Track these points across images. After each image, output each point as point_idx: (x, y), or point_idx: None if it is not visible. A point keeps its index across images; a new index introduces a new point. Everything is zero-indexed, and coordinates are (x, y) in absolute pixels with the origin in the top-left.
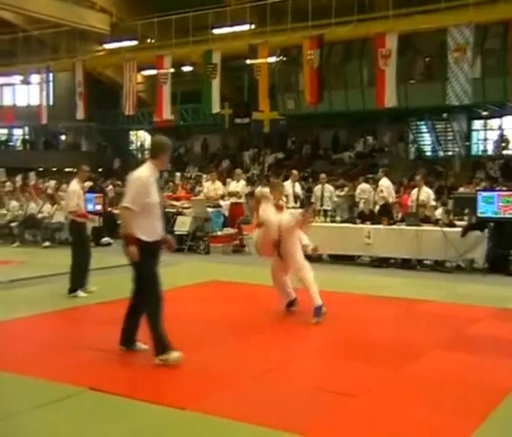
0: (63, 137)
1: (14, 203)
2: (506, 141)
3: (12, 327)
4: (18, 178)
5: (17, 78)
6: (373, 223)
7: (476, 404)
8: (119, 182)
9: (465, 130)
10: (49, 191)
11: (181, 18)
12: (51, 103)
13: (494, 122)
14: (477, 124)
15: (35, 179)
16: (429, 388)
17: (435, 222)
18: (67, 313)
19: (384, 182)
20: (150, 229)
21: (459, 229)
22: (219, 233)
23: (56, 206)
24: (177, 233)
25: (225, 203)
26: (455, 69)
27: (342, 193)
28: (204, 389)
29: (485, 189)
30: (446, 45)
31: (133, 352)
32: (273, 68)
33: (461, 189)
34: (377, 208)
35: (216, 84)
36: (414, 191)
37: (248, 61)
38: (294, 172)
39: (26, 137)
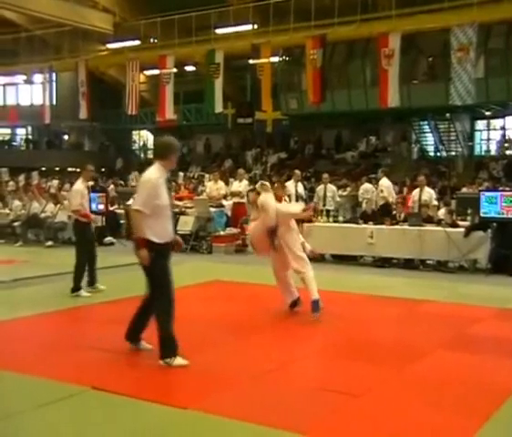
0: (66, 137)
1: (17, 202)
2: (509, 141)
3: (14, 326)
4: (21, 178)
5: (20, 78)
6: (375, 223)
7: (479, 404)
8: (121, 182)
9: (468, 130)
10: (52, 191)
11: (184, 18)
12: (54, 103)
13: (497, 122)
14: (480, 124)
15: (38, 179)
16: (431, 388)
17: (438, 222)
18: (70, 313)
19: (384, 182)
20: (161, 231)
21: (462, 230)
22: (221, 233)
23: (58, 205)
24: (179, 233)
25: (228, 203)
26: (458, 69)
27: (344, 193)
28: (206, 388)
29: (488, 190)
30: (450, 45)
31: (136, 352)
32: (276, 68)
33: (464, 189)
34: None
35: (219, 83)
36: (416, 192)
37: (251, 61)
38: (297, 172)
39: (29, 136)
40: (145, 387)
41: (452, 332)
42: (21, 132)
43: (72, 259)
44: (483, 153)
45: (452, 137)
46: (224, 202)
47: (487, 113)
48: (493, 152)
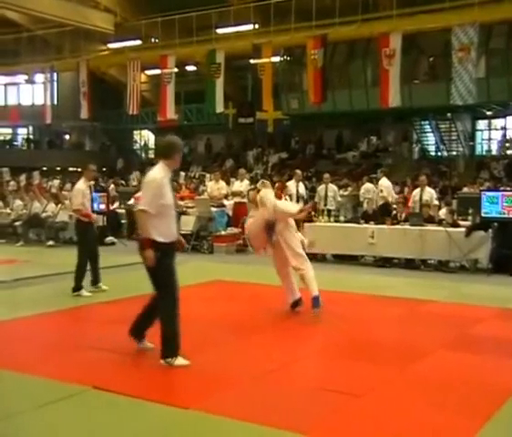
0: (67, 137)
1: (18, 202)
2: (510, 141)
3: (15, 326)
4: (22, 178)
5: (22, 78)
6: (376, 223)
7: (481, 405)
8: (123, 181)
9: (469, 130)
10: (53, 190)
11: (185, 18)
12: (55, 102)
13: (498, 122)
14: (481, 124)
15: (40, 179)
16: (433, 388)
17: (439, 222)
18: (71, 312)
19: (384, 182)
20: (166, 230)
21: (463, 229)
22: (222, 233)
23: (60, 205)
24: (181, 232)
25: (229, 203)
26: (459, 69)
27: (345, 193)
28: (208, 388)
29: (489, 189)
30: (451, 45)
31: (137, 352)
32: (277, 68)
33: (465, 189)
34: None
35: (220, 83)
36: (416, 192)
37: (252, 61)
38: (298, 172)
39: (31, 136)
40: (146, 387)
41: (453, 332)
42: (22, 132)
43: (73, 258)
44: (484, 153)
45: (453, 137)
46: (225, 202)
47: (488, 113)
48: (494, 152)
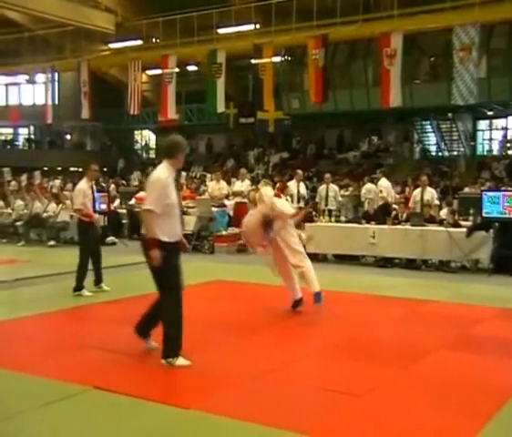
0: (68, 137)
1: (19, 202)
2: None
3: (16, 326)
4: (23, 178)
5: (23, 78)
6: (377, 223)
7: (481, 405)
8: (124, 181)
9: (470, 130)
10: (54, 190)
11: (186, 18)
12: (56, 102)
13: (499, 122)
14: (483, 124)
15: (41, 179)
16: (434, 388)
17: (440, 222)
18: (72, 312)
19: (384, 182)
20: (171, 230)
21: (464, 230)
22: (223, 233)
23: (61, 205)
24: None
25: (230, 203)
26: (460, 69)
27: (346, 193)
28: (208, 388)
29: (490, 189)
30: (452, 45)
31: (138, 352)
32: (278, 68)
33: (466, 189)
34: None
35: (221, 83)
36: (417, 192)
37: (253, 61)
38: (299, 172)
39: (31, 136)
40: (147, 387)
41: (454, 332)
42: (23, 132)
43: (74, 258)
44: (485, 153)
45: (454, 137)
46: (226, 202)
47: (490, 113)
48: (495, 152)
